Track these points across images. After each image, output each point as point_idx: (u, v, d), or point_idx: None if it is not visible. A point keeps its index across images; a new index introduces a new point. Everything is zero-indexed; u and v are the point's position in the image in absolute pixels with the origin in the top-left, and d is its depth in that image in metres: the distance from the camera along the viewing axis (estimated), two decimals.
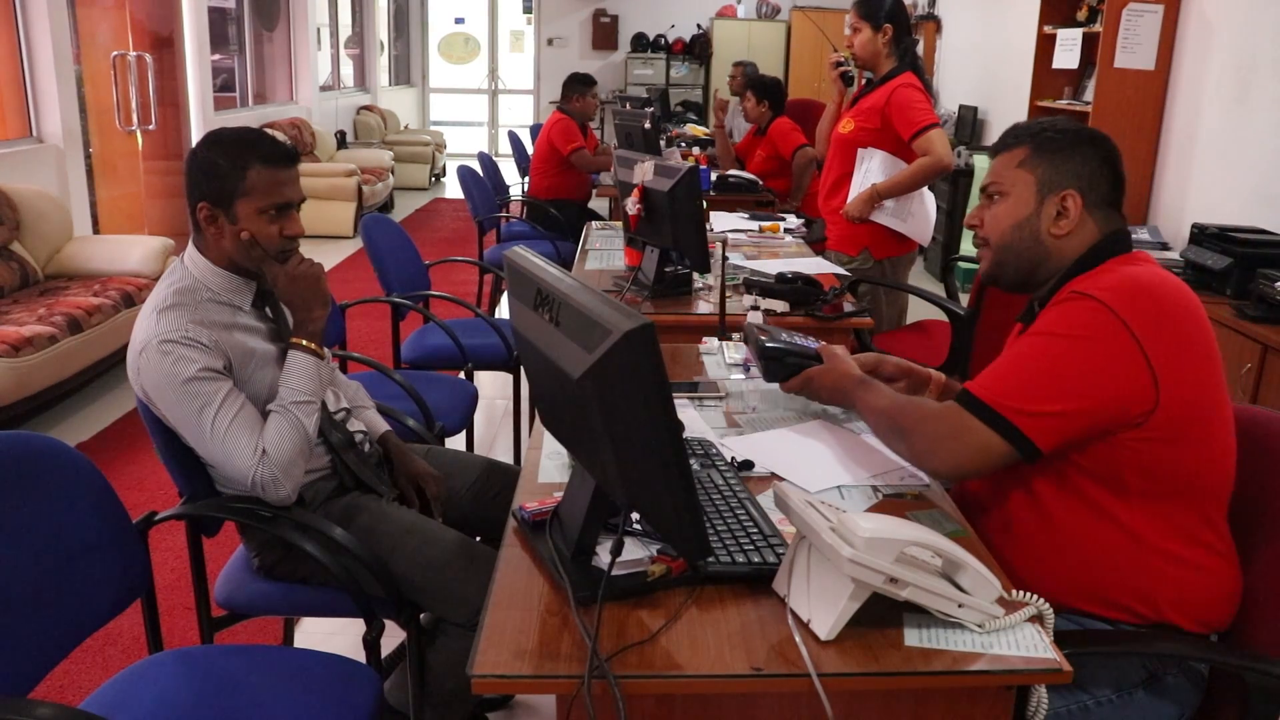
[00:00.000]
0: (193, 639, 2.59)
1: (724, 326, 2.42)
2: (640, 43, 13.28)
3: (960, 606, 1.29)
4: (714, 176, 5.46)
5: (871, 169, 3.64)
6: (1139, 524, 1.56)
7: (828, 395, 1.97)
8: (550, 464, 1.81)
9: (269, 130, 2.36)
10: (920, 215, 3.67)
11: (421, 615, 2.01)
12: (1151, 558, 1.55)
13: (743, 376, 2.28)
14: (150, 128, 6.64)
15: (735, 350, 2.42)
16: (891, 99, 3.52)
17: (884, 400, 1.77)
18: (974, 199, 6.82)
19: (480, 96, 14.59)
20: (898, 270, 3.79)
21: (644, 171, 2.98)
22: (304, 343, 1.98)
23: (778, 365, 2.03)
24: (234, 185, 1.92)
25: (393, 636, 2.09)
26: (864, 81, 3.78)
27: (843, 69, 3.81)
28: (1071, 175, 1.67)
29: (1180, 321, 1.54)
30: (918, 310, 4.13)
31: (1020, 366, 1.58)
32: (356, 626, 1.94)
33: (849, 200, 3.68)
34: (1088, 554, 1.58)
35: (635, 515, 1.45)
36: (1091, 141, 1.69)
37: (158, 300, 1.91)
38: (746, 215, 4.44)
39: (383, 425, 2.31)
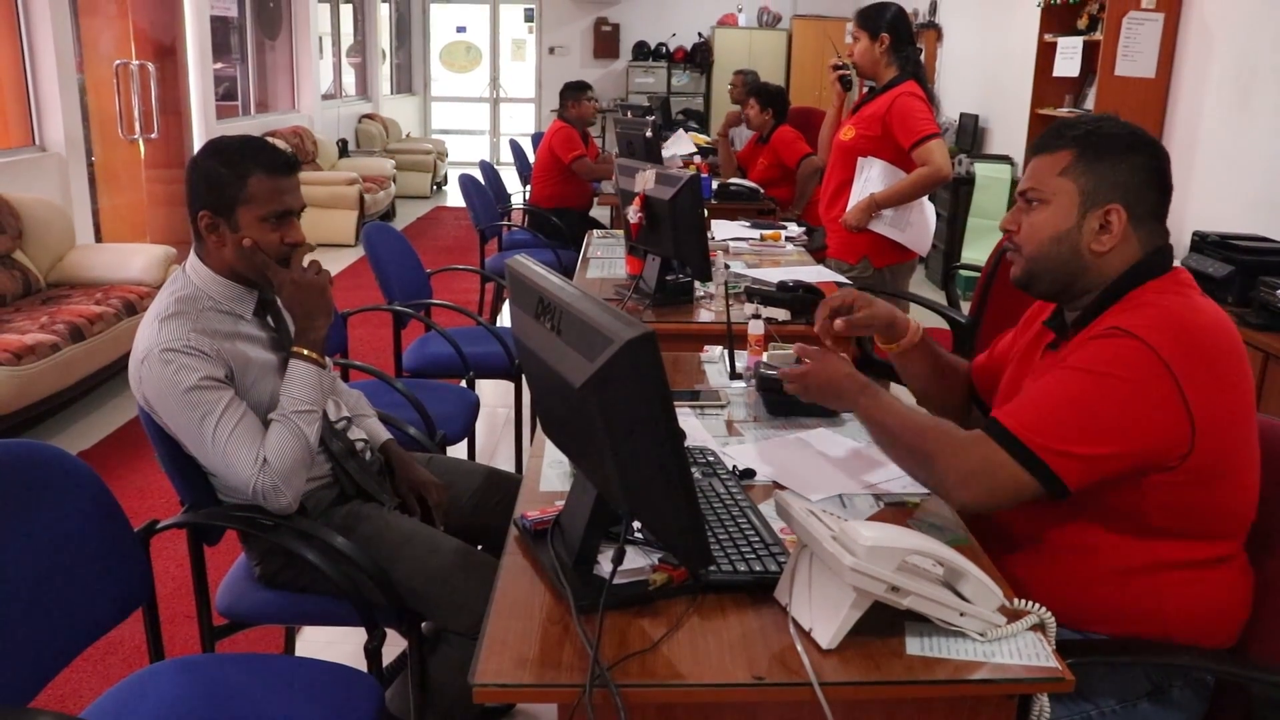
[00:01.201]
0: (194, 648, 2.58)
1: (733, 368, 2.41)
2: (641, 51, 13.31)
3: (962, 615, 1.29)
4: (715, 185, 5.47)
5: (871, 178, 3.64)
6: (1155, 551, 1.53)
7: (820, 391, 1.78)
8: (552, 472, 1.81)
9: (270, 139, 2.37)
10: (919, 225, 3.67)
11: (423, 624, 2.01)
12: (1162, 582, 1.53)
13: (744, 385, 2.28)
14: (152, 136, 6.65)
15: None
16: (893, 107, 3.52)
17: (895, 418, 1.63)
18: (975, 207, 6.81)
19: (482, 105, 14.61)
20: (898, 278, 3.79)
21: (645, 180, 2.99)
22: (305, 352, 1.98)
23: (777, 396, 2.06)
24: (235, 193, 1.92)
25: (394, 645, 2.09)
26: (865, 89, 3.78)
27: (842, 73, 3.82)
28: (1118, 187, 1.56)
29: (1223, 363, 1.48)
30: (918, 318, 4.13)
31: (1056, 402, 1.49)
32: (358, 635, 1.94)
33: (848, 209, 3.68)
34: (1095, 574, 1.55)
35: (637, 524, 1.45)
36: (1142, 148, 1.58)
37: (159, 309, 1.91)
38: (748, 223, 4.45)
39: (384, 434, 2.31)
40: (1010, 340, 1.90)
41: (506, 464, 3.91)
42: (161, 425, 1.92)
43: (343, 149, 10.25)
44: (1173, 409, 1.43)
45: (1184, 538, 1.53)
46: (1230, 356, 1.49)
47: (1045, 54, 5.94)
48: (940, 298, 5.47)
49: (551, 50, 13.74)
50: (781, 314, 2.83)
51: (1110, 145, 1.57)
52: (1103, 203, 1.57)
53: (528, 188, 7.06)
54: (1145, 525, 1.51)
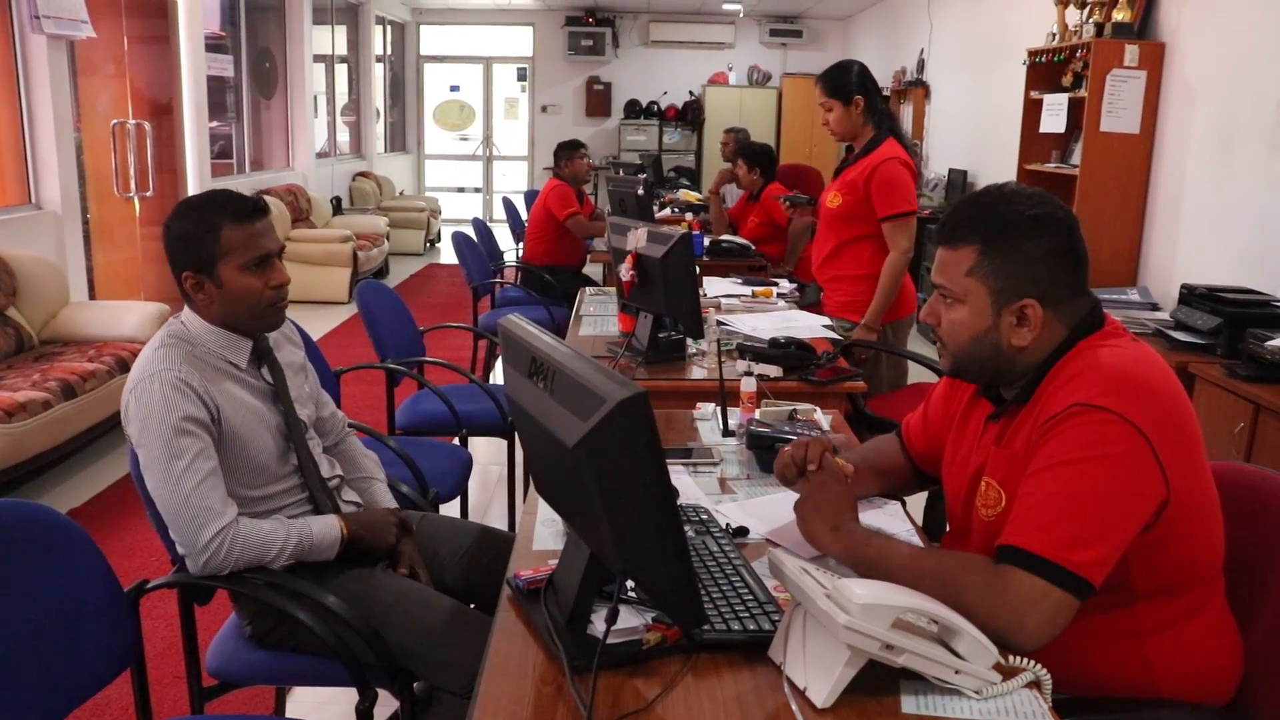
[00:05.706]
0: (183, 709, 2.55)
1: (725, 424, 2.42)
2: (633, 109, 13.49)
3: (957, 673, 1.29)
4: (707, 242, 5.50)
5: None
6: (1140, 618, 1.53)
7: (818, 512, 1.65)
8: (545, 531, 1.81)
9: (263, 194, 2.42)
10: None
11: (415, 684, 1.99)
12: (1149, 648, 1.53)
13: (737, 442, 2.28)
14: (148, 194, 6.69)
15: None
16: (877, 172, 3.49)
17: (907, 568, 1.49)
18: None
19: (475, 163, 14.74)
20: (899, 334, 3.78)
21: (637, 238, 3.01)
22: (351, 526, 2.04)
23: (769, 454, 2.04)
24: (211, 249, 1.94)
25: (386, 705, 2.07)
26: (844, 151, 3.79)
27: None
28: (1028, 280, 1.52)
29: (1175, 410, 1.48)
30: (915, 374, 4.14)
31: (1062, 506, 1.42)
32: (349, 696, 1.92)
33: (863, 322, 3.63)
34: (1080, 645, 1.53)
35: (630, 583, 1.44)
36: (1047, 228, 1.53)
37: (158, 339, 1.95)
38: (740, 280, 4.48)
39: (390, 501, 2.30)
40: (943, 397, 1.87)
41: (499, 522, 3.90)
42: (140, 459, 1.91)
43: (336, 206, 10.32)
44: (1151, 469, 1.43)
45: (1161, 594, 1.52)
46: (1178, 401, 1.50)
47: (1032, 110, 6.03)
48: (933, 353, 5.49)
49: (544, 109, 13.92)
50: (774, 370, 2.83)
51: (1014, 234, 1.53)
52: (1015, 299, 1.54)
53: (520, 245, 7.10)
54: (1126, 588, 1.50)
